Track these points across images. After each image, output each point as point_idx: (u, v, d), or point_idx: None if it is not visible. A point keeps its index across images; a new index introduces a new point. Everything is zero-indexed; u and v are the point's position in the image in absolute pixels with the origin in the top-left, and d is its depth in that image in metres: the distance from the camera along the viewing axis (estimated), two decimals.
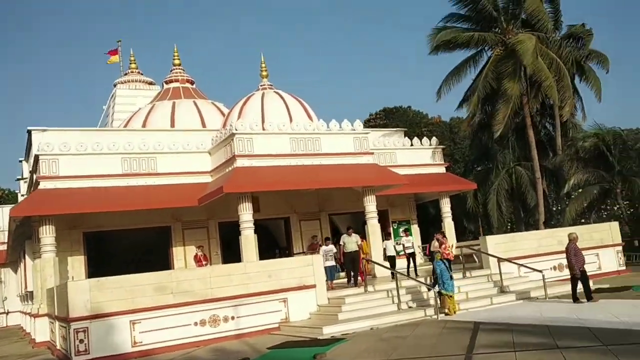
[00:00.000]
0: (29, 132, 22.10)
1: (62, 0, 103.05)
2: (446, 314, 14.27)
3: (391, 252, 20.84)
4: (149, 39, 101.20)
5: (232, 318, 14.49)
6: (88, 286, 13.19)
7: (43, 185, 19.83)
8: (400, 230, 26.65)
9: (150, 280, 13.74)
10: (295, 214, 25.33)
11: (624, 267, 21.54)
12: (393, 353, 10.20)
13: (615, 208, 28.91)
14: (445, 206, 25.77)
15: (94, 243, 22.21)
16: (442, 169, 27.01)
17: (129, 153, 21.22)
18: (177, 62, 33.10)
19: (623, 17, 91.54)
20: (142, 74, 40.26)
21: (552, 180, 29.23)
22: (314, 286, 15.71)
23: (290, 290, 15.31)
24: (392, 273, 17.52)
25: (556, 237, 19.84)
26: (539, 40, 25.08)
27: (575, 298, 14.47)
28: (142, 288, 13.56)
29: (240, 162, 20.30)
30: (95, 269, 21.27)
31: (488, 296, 15.75)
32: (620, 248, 21.59)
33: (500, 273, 16.67)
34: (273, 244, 25.92)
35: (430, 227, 28.04)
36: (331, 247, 18.49)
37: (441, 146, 27.40)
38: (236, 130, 20.50)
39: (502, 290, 16.44)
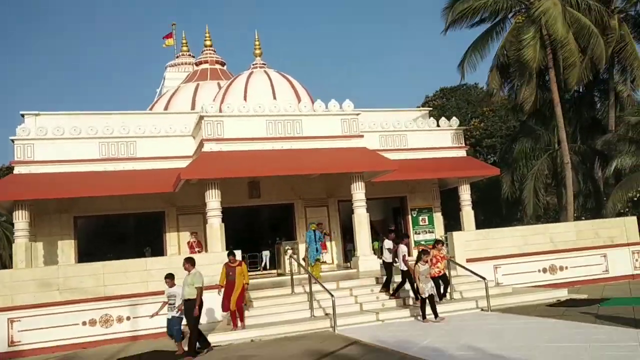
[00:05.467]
0: (22, 115, 22.28)
1: None
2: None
3: (388, 257, 15.28)
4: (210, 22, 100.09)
5: (128, 318, 13.52)
6: None
7: (17, 170, 19.94)
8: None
9: (34, 275, 13.09)
10: (301, 200, 23.79)
11: None
12: None
13: None
14: (464, 193, 23.08)
15: (85, 228, 22.15)
16: (463, 152, 24.19)
17: (107, 137, 20.82)
18: (207, 43, 32.74)
19: None
20: (193, 57, 40.14)
21: (603, 165, 25.26)
22: None
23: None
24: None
25: (549, 234, 16.81)
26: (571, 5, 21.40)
27: None
28: (24, 284, 12.92)
29: (207, 147, 19.20)
30: (86, 254, 21.27)
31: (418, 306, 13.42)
32: (637, 248, 17.94)
33: (450, 276, 14.22)
34: (275, 232, 24.62)
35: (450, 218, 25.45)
36: (176, 289, 11.86)
37: (461, 127, 24.47)
38: (206, 112, 19.39)
39: (452, 297, 14.03)
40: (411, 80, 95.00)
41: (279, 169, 19.25)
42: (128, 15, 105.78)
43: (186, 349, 11.22)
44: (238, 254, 14.95)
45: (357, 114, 20.78)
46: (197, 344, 11.34)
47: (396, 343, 10.19)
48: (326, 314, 13.30)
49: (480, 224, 31.27)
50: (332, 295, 12.31)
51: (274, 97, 21.27)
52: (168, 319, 11.56)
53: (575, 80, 20.95)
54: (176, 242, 22.40)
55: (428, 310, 12.44)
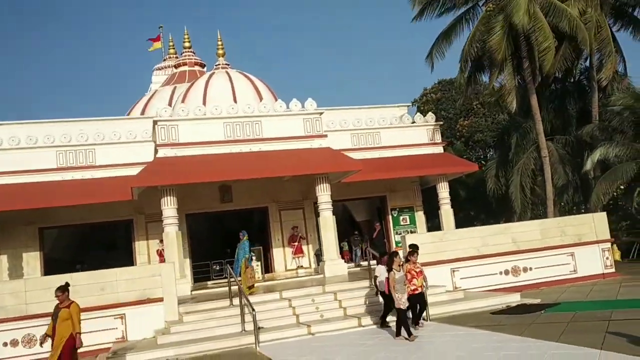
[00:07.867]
0: None
1: None
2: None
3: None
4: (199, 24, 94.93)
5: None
6: None
7: None
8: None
9: None
10: (275, 203, 23.02)
11: (613, 269, 16.79)
12: None
13: None
14: (443, 191, 22.12)
15: (51, 239, 21.64)
16: (440, 149, 23.18)
17: (65, 145, 20.27)
18: (186, 44, 32.12)
19: None
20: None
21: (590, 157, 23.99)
22: (161, 300, 13.54)
23: (130, 305, 13.30)
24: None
25: (510, 234, 15.78)
26: None
27: None
28: None
29: (162, 152, 18.54)
30: (52, 266, 20.74)
31: (359, 315, 12.55)
32: (607, 245, 16.89)
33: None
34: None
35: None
36: None
37: (438, 123, 23.44)
38: (160, 117, 18.72)
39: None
40: (412, 73, 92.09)
41: (234, 173, 18.52)
42: (118, 20, 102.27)
43: None
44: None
45: (320, 113, 19.94)
46: None
47: None
48: (259, 328, 12.49)
49: (470, 220, 30.27)
50: (253, 310, 11.49)
51: (234, 99, 20.52)
52: None
53: (549, 65, 19.74)
54: (146, 250, 21.81)
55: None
